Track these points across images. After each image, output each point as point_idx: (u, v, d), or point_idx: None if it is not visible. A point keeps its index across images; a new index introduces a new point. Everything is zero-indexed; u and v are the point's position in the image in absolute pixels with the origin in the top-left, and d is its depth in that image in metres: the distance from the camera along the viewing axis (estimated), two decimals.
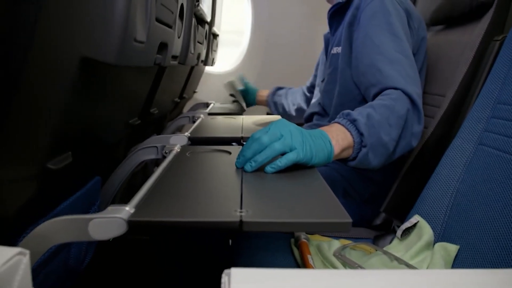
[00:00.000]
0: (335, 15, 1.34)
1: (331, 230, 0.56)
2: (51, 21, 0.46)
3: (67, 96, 0.56)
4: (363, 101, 1.20)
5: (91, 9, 0.53)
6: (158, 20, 0.75)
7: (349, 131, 0.93)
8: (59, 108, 0.56)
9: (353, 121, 0.94)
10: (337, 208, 0.58)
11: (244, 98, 2.21)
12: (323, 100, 1.40)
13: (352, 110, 0.98)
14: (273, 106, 2.04)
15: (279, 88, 2.06)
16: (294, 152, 0.79)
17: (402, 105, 1.00)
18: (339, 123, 0.95)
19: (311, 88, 1.83)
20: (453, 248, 0.84)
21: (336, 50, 1.31)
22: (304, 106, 1.87)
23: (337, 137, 0.90)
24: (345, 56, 1.24)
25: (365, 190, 1.28)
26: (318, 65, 1.69)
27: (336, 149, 0.88)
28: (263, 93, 2.15)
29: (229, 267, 0.45)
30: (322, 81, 1.45)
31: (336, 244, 0.98)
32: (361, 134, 0.93)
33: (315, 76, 1.75)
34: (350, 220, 0.55)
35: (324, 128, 0.91)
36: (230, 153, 0.91)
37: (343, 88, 1.26)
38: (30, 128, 0.51)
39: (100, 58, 0.55)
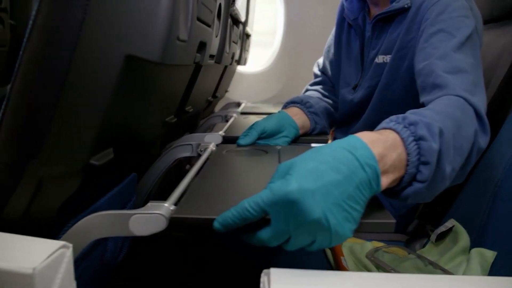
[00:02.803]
0: (380, 21, 1.14)
1: (374, 231, 0.56)
2: (98, 20, 0.47)
3: (112, 93, 0.57)
4: None
5: (136, 8, 0.55)
6: (198, 19, 0.76)
7: (408, 154, 0.60)
8: (103, 105, 0.57)
9: (419, 139, 0.61)
10: (379, 207, 0.58)
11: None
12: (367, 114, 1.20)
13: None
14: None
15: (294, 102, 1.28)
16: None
17: (469, 122, 0.74)
18: (398, 133, 0.62)
19: (327, 87, 1.44)
20: (490, 254, 0.83)
21: (383, 59, 1.12)
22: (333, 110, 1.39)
23: (391, 166, 0.58)
24: (394, 68, 1.08)
25: (403, 206, 1.19)
26: (331, 60, 1.41)
27: (384, 186, 0.57)
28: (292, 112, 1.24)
29: (264, 266, 0.45)
30: (354, 88, 1.25)
31: (369, 246, 0.98)
32: (423, 163, 0.61)
33: (323, 71, 1.47)
34: (393, 220, 0.55)
35: (376, 148, 0.55)
36: (266, 152, 0.91)
37: (380, 106, 1.13)
38: (76, 125, 0.53)
39: (145, 56, 0.56)
